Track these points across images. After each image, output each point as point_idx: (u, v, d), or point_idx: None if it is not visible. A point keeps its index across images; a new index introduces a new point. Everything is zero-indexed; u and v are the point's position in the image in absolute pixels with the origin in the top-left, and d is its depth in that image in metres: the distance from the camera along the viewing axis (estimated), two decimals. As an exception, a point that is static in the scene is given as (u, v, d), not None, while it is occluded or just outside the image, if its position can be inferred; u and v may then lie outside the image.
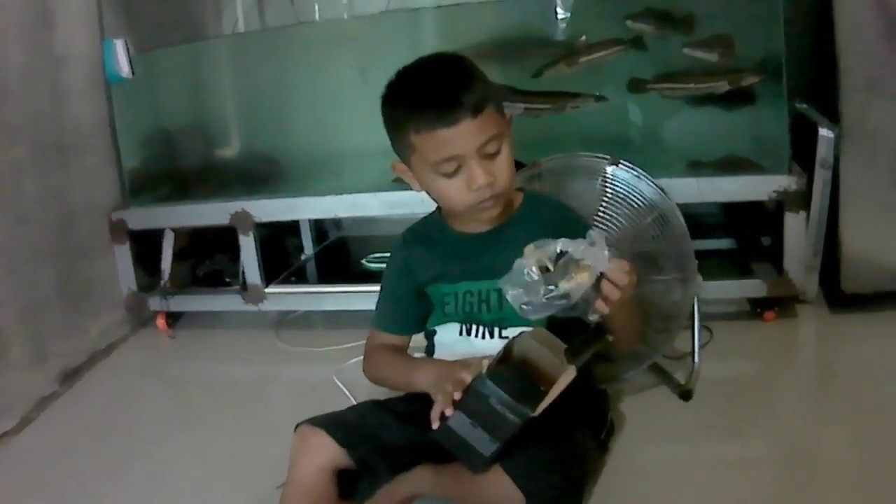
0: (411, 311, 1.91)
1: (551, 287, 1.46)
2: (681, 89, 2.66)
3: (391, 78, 1.72)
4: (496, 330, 1.76)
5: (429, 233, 1.89)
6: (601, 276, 1.48)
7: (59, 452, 2.29)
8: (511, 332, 1.72)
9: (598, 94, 2.62)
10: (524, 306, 1.49)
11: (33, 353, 2.60)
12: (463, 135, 1.59)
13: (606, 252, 1.46)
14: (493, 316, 1.76)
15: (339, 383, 2.39)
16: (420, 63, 1.71)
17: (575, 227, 1.66)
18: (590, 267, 1.46)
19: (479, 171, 1.61)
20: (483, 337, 1.77)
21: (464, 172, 1.62)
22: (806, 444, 1.95)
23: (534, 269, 1.47)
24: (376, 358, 1.91)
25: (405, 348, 1.95)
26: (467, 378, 1.53)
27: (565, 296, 1.46)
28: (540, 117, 2.61)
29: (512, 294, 1.49)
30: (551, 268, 1.47)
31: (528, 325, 1.69)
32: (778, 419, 2.11)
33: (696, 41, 2.56)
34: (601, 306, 1.50)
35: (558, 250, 1.47)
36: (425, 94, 1.64)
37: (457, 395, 1.50)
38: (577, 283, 1.45)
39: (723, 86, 2.56)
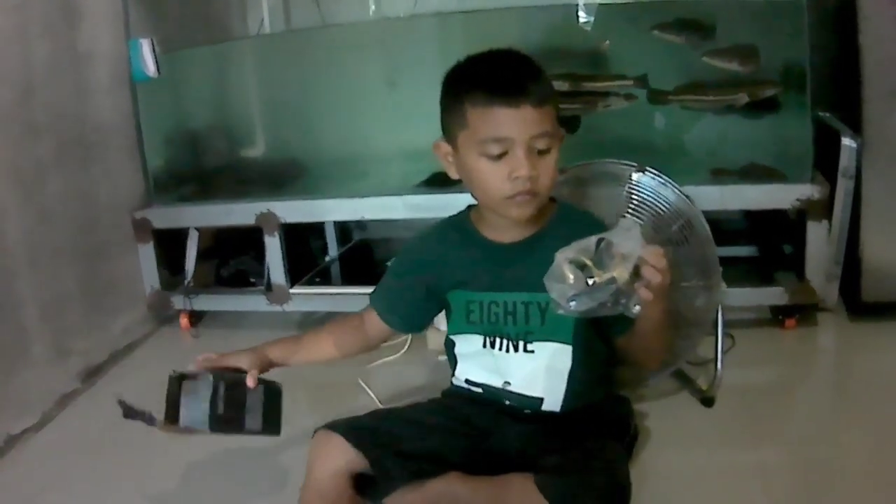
0: (410, 302, 1.88)
1: (593, 279, 1.43)
2: (700, 101, 2.67)
3: (460, 59, 1.71)
4: (521, 343, 1.73)
5: (456, 235, 1.83)
6: (638, 265, 1.45)
7: (79, 450, 2.30)
8: (536, 346, 1.72)
9: (628, 92, 2.64)
10: (570, 302, 1.45)
11: (55, 350, 2.61)
12: (520, 119, 1.58)
13: (641, 237, 1.45)
14: (519, 329, 1.73)
15: (364, 385, 2.40)
16: (493, 50, 1.70)
17: None
18: (626, 254, 1.44)
19: (527, 161, 1.59)
20: (507, 350, 1.74)
21: (508, 159, 1.60)
22: (825, 452, 1.96)
23: (568, 267, 1.44)
24: (325, 327, 1.97)
25: (377, 337, 1.96)
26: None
27: (610, 281, 1.42)
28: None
29: (557, 290, 1.45)
30: (588, 263, 1.44)
31: (554, 341, 1.71)
32: (797, 426, 2.13)
33: (716, 50, 2.57)
34: (644, 293, 1.46)
35: (593, 244, 1.45)
36: (494, 72, 1.63)
37: None
38: (617, 270, 1.42)
39: (742, 98, 2.58)
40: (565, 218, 1.78)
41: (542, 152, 1.62)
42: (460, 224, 1.84)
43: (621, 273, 1.42)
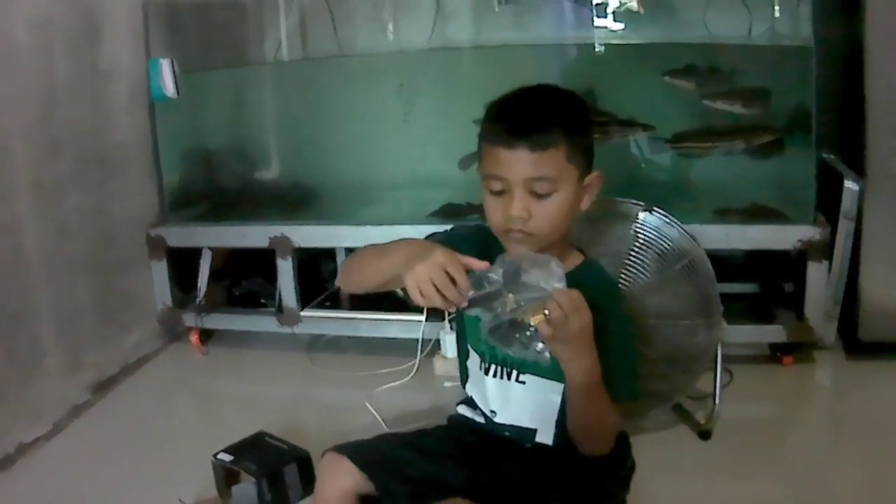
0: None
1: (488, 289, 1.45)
2: (698, 147, 2.72)
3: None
4: (514, 372, 1.72)
5: (489, 244, 1.73)
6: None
7: (88, 459, 2.35)
8: (528, 378, 1.70)
9: (645, 123, 2.67)
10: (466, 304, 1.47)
11: (68, 361, 2.66)
12: (514, 162, 1.57)
13: (562, 281, 1.44)
14: (518, 358, 1.67)
15: (371, 408, 2.44)
16: (533, 86, 1.69)
17: (611, 315, 1.60)
18: (534, 286, 1.44)
19: (518, 202, 1.58)
20: (501, 377, 1.72)
21: (505, 197, 1.59)
22: (819, 487, 2.01)
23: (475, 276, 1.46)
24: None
25: None
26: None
27: (501, 296, 1.43)
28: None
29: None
30: (494, 276, 1.45)
31: (548, 378, 1.67)
32: (792, 461, 2.17)
33: (719, 93, 2.61)
34: (543, 327, 1.42)
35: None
36: (507, 111, 1.64)
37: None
38: (515, 292, 1.43)
39: (739, 144, 2.64)
40: (585, 274, 1.69)
41: (542, 195, 1.60)
42: (496, 241, 1.74)
43: (519, 296, 1.43)
